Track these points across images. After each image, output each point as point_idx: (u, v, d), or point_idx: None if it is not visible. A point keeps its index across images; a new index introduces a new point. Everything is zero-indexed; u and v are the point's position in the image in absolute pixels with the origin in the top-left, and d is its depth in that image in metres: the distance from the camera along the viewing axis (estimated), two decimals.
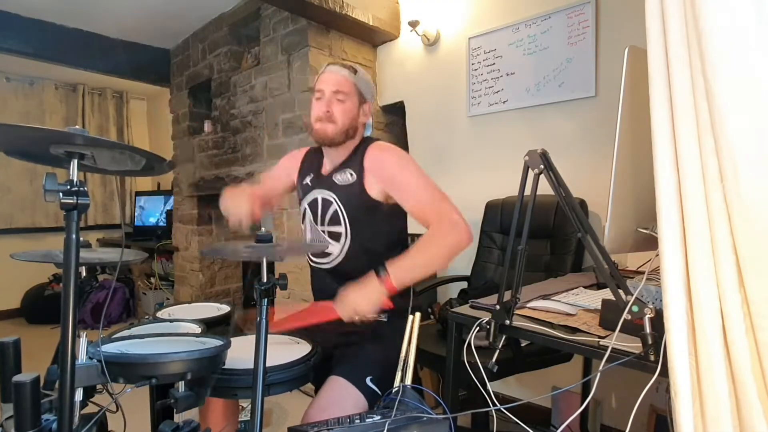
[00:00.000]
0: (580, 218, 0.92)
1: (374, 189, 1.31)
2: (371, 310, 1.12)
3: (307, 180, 1.45)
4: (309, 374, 1.09)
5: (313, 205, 1.40)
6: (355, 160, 1.35)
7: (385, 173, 1.31)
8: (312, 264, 1.43)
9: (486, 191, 2.16)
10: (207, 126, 3.28)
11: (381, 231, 1.34)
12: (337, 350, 1.29)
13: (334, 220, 1.34)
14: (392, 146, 1.38)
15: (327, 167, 1.40)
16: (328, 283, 1.37)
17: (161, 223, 4.20)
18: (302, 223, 1.45)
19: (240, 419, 1.34)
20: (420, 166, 1.33)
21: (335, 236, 1.34)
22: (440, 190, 1.28)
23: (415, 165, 1.32)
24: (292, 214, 2.57)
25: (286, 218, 2.62)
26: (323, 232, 1.37)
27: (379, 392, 1.16)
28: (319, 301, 1.29)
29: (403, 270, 1.16)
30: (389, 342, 1.23)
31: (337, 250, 1.34)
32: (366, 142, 1.38)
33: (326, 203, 1.36)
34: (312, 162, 1.46)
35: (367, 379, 1.16)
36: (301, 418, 1.12)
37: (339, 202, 1.33)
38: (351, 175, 1.33)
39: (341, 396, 1.13)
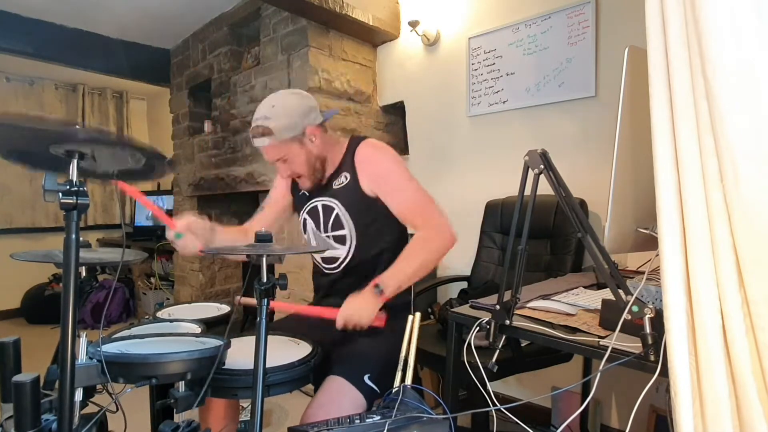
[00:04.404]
0: (580, 218, 0.92)
1: (367, 186, 1.32)
2: (366, 324, 1.17)
3: (304, 191, 1.44)
4: (309, 375, 1.08)
5: (313, 212, 1.40)
6: (347, 161, 1.35)
7: (375, 173, 1.31)
8: (324, 270, 1.42)
9: (486, 191, 2.16)
10: (207, 126, 3.28)
11: (383, 226, 1.35)
12: (335, 349, 1.29)
13: (337, 225, 1.34)
14: (383, 146, 1.38)
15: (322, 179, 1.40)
16: (338, 287, 1.37)
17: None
18: (304, 233, 1.45)
19: (240, 419, 1.34)
20: (418, 166, 1.34)
21: (340, 240, 1.35)
22: (427, 192, 1.31)
23: (405, 167, 1.34)
24: (292, 216, 2.57)
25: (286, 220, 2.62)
26: (329, 237, 1.37)
27: (378, 390, 1.16)
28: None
29: (397, 281, 1.21)
30: (387, 339, 1.24)
31: (343, 253, 1.35)
32: (355, 141, 1.38)
33: (327, 209, 1.36)
34: None
35: (365, 377, 1.16)
36: (300, 418, 1.12)
37: (340, 205, 1.34)
38: (345, 177, 1.34)
39: (339, 395, 1.13)
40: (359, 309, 1.17)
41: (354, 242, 1.33)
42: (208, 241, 1.25)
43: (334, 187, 1.36)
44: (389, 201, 1.30)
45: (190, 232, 1.23)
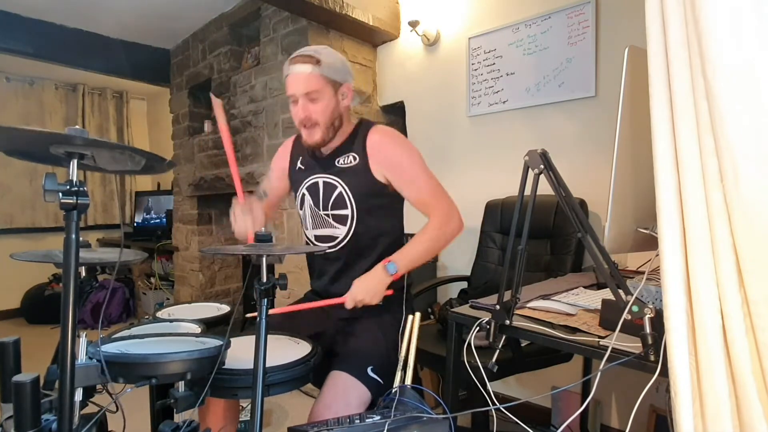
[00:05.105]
0: (580, 218, 0.92)
1: (378, 172, 1.32)
2: (376, 302, 1.21)
3: (299, 164, 1.44)
4: (309, 374, 1.09)
5: (312, 188, 1.38)
6: (356, 143, 1.34)
7: (390, 161, 1.31)
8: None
9: (486, 191, 2.16)
10: (207, 126, 3.29)
11: (385, 212, 1.36)
12: (335, 343, 1.29)
13: (339, 204, 1.33)
14: (396, 133, 1.38)
15: (324, 151, 1.38)
16: (329, 266, 1.38)
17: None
18: (300, 209, 1.44)
19: (240, 419, 1.34)
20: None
21: (341, 219, 1.34)
22: (437, 180, 1.35)
23: (419, 155, 1.35)
24: (292, 214, 2.57)
25: (286, 218, 2.62)
26: (327, 216, 1.36)
27: (382, 382, 1.16)
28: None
29: (409, 260, 1.27)
30: (387, 330, 1.25)
31: (342, 233, 1.34)
32: (366, 124, 1.37)
33: (329, 187, 1.35)
34: (303, 147, 1.42)
35: (369, 370, 1.16)
36: (308, 416, 1.12)
37: (344, 185, 1.33)
38: (354, 158, 1.33)
39: (345, 389, 1.13)
40: (369, 289, 1.20)
41: (354, 223, 1.33)
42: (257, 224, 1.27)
43: (337, 165, 1.34)
44: (405, 190, 1.32)
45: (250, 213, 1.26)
